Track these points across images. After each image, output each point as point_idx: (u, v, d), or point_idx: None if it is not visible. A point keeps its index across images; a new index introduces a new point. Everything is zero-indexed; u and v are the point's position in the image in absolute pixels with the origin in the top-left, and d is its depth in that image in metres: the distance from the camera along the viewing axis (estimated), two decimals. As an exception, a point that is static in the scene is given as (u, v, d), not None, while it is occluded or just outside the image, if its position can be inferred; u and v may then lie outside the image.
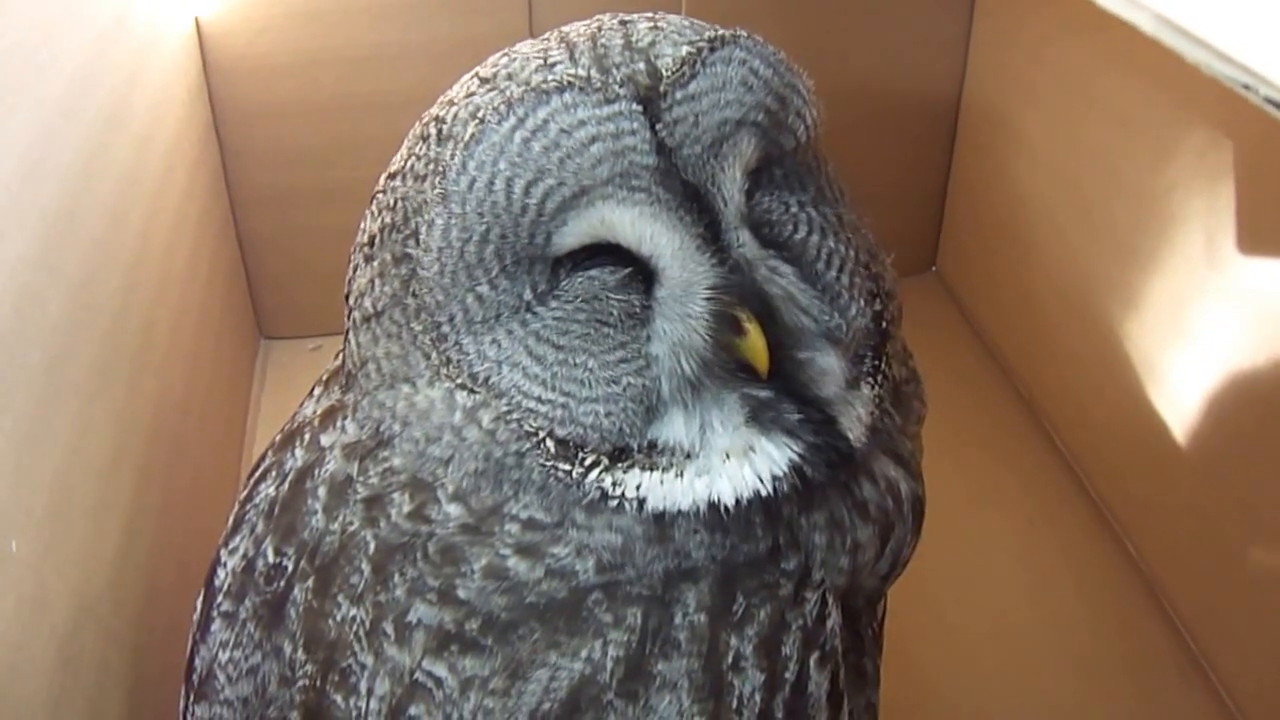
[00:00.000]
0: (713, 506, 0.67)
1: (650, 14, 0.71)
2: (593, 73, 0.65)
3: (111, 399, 0.99)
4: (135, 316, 1.09)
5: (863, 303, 0.73)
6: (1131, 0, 0.75)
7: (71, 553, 0.86)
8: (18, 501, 0.78)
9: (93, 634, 0.87)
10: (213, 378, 1.39)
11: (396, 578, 0.69)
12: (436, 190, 0.66)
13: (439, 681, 0.66)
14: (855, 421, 0.70)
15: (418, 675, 0.67)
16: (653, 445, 0.68)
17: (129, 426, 1.03)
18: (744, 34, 0.69)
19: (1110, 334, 1.33)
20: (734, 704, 0.66)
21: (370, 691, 0.67)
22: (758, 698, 0.67)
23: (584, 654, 0.66)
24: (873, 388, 0.73)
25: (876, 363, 0.74)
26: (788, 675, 0.68)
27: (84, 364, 0.94)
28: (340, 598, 0.70)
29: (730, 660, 0.67)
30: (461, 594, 0.67)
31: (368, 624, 0.68)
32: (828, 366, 0.69)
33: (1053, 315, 1.48)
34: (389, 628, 0.68)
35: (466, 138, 0.65)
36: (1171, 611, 1.26)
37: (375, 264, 0.72)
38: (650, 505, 0.67)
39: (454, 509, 0.69)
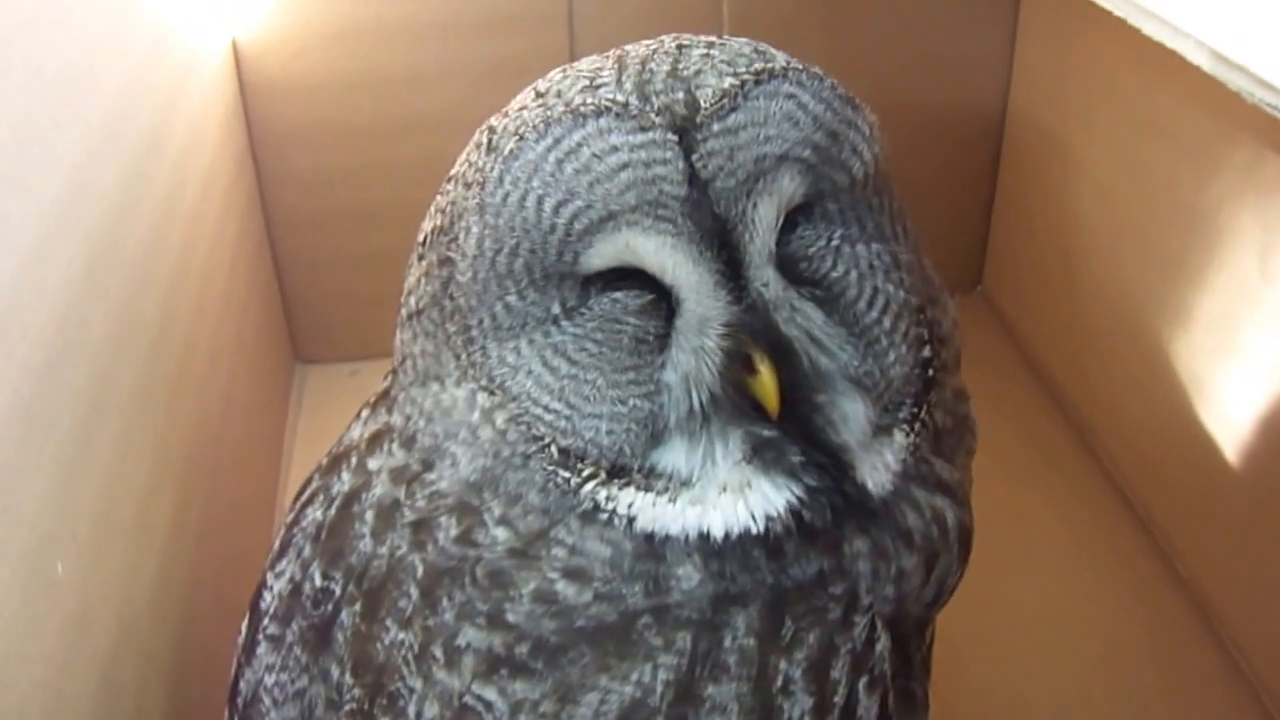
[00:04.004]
0: (703, 536, 0.67)
1: (713, 39, 0.71)
2: (632, 99, 0.66)
3: (152, 421, 0.99)
4: (175, 339, 1.09)
5: (905, 349, 0.72)
6: (1176, 29, 0.75)
7: (113, 575, 0.86)
8: (64, 523, 0.78)
9: (134, 656, 0.87)
10: (249, 401, 1.39)
11: (445, 601, 0.68)
12: (475, 200, 0.67)
13: (489, 705, 0.66)
14: (879, 469, 0.70)
15: (467, 699, 0.66)
16: (651, 469, 0.68)
17: (168, 449, 1.03)
18: (799, 66, 0.68)
19: (1159, 352, 1.31)
20: None
21: (419, 715, 0.67)
22: None
23: (634, 677, 0.65)
24: (908, 435, 0.72)
25: (916, 410, 0.73)
26: (837, 699, 0.67)
27: (126, 386, 0.94)
28: (388, 621, 0.70)
29: (780, 684, 0.66)
30: (510, 618, 0.67)
31: (416, 648, 0.68)
32: (851, 412, 0.68)
33: (1101, 334, 1.46)
34: (438, 651, 0.68)
35: (506, 152, 0.66)
36: (1222, 633, 1.25)
37: (424, 263, 0.73)
38: (639, 525, 0.67)
39: (501, 533, 0.69)
